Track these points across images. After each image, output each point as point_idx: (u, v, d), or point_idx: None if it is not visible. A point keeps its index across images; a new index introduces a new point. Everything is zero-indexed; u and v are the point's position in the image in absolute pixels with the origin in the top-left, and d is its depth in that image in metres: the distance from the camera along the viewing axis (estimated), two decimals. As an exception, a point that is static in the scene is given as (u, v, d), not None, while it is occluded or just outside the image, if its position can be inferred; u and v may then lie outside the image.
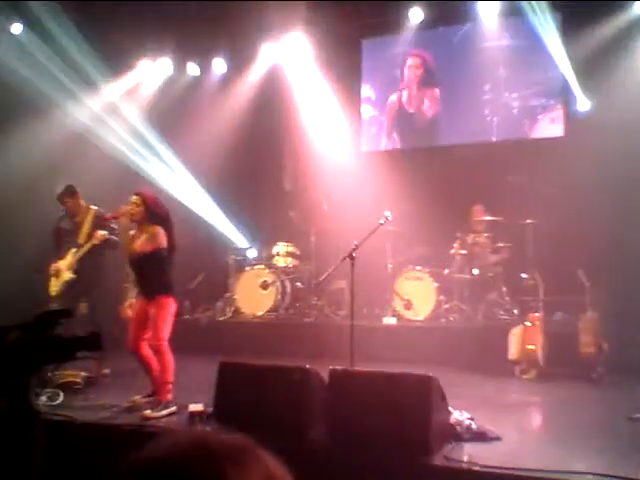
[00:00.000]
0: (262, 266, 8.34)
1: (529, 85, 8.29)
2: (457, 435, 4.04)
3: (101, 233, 5.84)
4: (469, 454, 3.83)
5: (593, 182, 7.01)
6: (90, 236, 5.86)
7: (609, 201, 7.05)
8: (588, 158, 6.89)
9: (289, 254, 8.54)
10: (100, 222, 5.88)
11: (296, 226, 8.59)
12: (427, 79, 8.89)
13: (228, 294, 8.43)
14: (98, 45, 8.45)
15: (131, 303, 5.70)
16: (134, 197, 4.97)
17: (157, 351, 4.85)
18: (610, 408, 4.99)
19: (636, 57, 7.53)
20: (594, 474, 3.33)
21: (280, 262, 8.46)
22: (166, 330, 4.89)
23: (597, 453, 3.81)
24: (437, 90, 8.84)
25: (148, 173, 8.79)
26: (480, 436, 4.12)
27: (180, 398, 4.86)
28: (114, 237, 5.90)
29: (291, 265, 8.51)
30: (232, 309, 8.32)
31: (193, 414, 4.38)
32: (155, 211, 4.99)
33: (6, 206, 7.47)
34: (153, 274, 4.95)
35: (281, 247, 8.52)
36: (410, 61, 8.96)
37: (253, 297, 8.18)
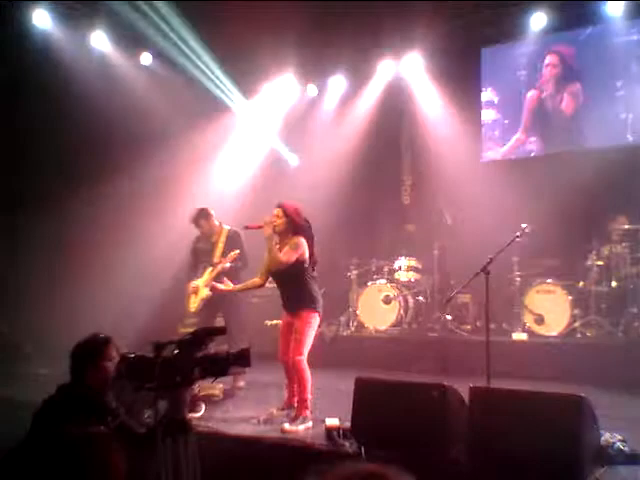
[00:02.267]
0: (384, 281, 8.33)
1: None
2: (609, 458, 3.82)
3: (235, 252, 6.09)
4: (623, 478, 3.61)
5: None
6: (224, 255, 6.15)
7: None
8: None
9: (411, 268, 8.48)
10: (234, 240, 6.17)
11: (418, 240, 8.54)
12: (567, 75, 8.52)
13: (351, 309, 8.50)
14: (223, 70, 8.89)
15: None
16: (276, 209, 4.99)
17: (295, 367, 4.88)
18: None
19: None
20: None
21: (402, 276, 8.42)
22: (306, 346, 4.91)
23: None
24: (579, 85, 8.42)
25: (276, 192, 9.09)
26: (634, 459, 3.87)
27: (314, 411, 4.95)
28: (246, 255, 6.17)
29: (413, 279, 8.45)
30: (355, 323, 8.37)
31: (330, 429, 4.43)
32: (297, 222, 4.96)
33: (146, 230, 7.96)
34: (296, 287, 4.96)
35: (403, 261, 8.48)
36: (548, 59, 8.62)
37: (376, 312, 8.19)
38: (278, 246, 4.97)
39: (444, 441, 3.82)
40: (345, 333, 8.28)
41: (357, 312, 8.34)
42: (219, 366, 3.27)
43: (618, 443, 3.96)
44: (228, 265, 6.08)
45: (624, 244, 7.12)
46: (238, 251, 6.11)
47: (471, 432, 3.79)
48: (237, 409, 5.39)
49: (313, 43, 8.45)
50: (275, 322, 8.74)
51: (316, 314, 5.01)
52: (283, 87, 9.78)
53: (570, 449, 3.40)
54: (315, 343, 8.24)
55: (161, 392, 3.23)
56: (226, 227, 6.36)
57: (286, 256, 4.85)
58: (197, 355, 3.20)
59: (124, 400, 3.85)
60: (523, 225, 5.19)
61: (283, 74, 9.55)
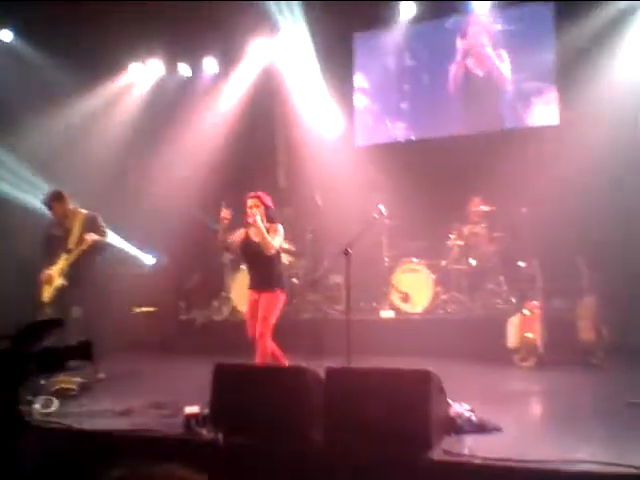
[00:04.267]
0: (257, 264, 8.25)
1: (522, 68, 8.20)
2: (458, 428, 3.98)
3: (90, 237, 5.76)
4: (470, 447, 3.77)
5: (589, 168, 6.94)
6: (80, 241, 5.79)
7: (607, 186, 7.00)
8: (583, 145, 6.88)
9: (284, 251, 8.43)
10: (91, 225, 5.83)
11: (291, 223, 8.52)
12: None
13: (224, 293, 8.37)
14: (89, 48, 8.38)
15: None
16: (252, 199, 5.26)
17: (261, 342, 5.13)
18: (611, 394, 4.94)
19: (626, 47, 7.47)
20: (598, 462, 3.27)
21: (276, 259, 8.38)
22: (272, 324, 5.18)
23: (600, 440, 3.77)
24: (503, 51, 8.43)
25: (138, 174, 8.75)
26: (480, 428, 4.06)
27: (176, 400, 4.79)
28: (104, 240, 5.87)
29: (286, 262, 8.42)
30: (229, 308, 8.25)
31: (189, 417, 4.30)
32: (272, 210, 5.38)
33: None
34: (269, 268, 5.27)
35: (276, 244, 8.44)
36: (472, 29, 8.61)
37: (249, 296, 8.10)
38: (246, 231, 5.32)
39: (301, 423, 3.82)
40: (218, 318, 8.15)
41: (230, 296, 8.22)
42: (56, 360, 3.07)
43: (466, 413, 4.15)
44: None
45: (482, 225, 7.51)
46: (96, 236, 5.80)
47: (327, 412, 3.82)
48: (94, 402, 5.11)
49: (180, 25, 8.17)
50: (144, 309, 8.47)
51: (283, 294, 5.35)
52: (151, 67, 9.43)
53: (418, 421, 3.51)
54: (186, 329, 8.12)
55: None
56: (82, 211, 5.99)
57: (276, 242, 5.22)
58: (32, 349, 2.99)
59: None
60: (380, 207, 5.33)
61: (151, 56, 9.22)
